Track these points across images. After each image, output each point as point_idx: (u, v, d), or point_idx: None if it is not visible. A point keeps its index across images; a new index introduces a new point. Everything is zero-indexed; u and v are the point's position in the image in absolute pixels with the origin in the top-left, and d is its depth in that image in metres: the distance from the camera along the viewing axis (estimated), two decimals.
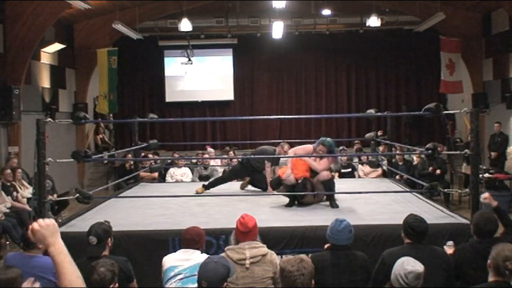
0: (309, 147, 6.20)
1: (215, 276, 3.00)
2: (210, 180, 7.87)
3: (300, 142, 6.40)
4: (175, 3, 12.75)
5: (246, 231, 3.79)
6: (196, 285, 3.23)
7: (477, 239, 3.88)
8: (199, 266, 3.15)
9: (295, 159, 6.12)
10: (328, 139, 6.08)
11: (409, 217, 3.90)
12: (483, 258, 3.32)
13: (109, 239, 3.90)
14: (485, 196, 4.38)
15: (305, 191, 5.88)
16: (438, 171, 10.11)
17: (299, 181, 5.90)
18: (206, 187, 7.21)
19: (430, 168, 10.12)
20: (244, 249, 3.69)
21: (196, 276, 3.18)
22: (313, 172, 6.04)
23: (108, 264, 3.16)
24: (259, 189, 7.13)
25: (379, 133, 10.04)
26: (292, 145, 6.93)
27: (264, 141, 14.73)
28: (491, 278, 3.12)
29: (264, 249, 3.76)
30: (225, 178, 7.62)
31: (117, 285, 3.32)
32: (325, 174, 6.02)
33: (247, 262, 3.63)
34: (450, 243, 4.34)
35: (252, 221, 3.84)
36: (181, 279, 3.62)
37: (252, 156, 7.27)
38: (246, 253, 3.67)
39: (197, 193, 6.99)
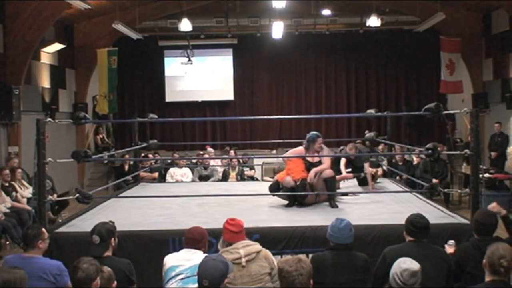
0: (300, 148, 6.21)
1: (216, 273, 3.01)
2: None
3: (301, 143, 6.37)
4: (175, 3, 12.75)
5: (238, 231, 3.82)
6: (197, 285, 3.22)
7: (477, 237, 3.88)
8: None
9: (289, 162, 6.12)
10: (312, 132, 6.13)
11: (411, 215, 3.96)
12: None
13: (113, 239, 3.89)
14: (493, 205, 4.34)
15: (305, 192, 5.87)
16: (435, 181, 9.79)
17: (298, 182, 5.88)
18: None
19: (435, 181, 9.63)
20: (238, 249, 3.72)
21: (197, 277, 3.17)
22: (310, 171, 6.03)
23: (89, 261, 3.18)
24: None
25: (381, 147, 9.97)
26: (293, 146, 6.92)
27: (264, 141, 14.90)
28: (487, 278, 3.13)
29: (257, 246, 3.78)
30: None
31: (115, 283, 3.31)
32: (328, 172, 6.03)
33: (243, 260, 3.64)
34: (451, 242, 4.32)
35: (240, 220, 3.89)
36: (182, 279, 3.61)
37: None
38: (241, 252, 3.69)
39: None
